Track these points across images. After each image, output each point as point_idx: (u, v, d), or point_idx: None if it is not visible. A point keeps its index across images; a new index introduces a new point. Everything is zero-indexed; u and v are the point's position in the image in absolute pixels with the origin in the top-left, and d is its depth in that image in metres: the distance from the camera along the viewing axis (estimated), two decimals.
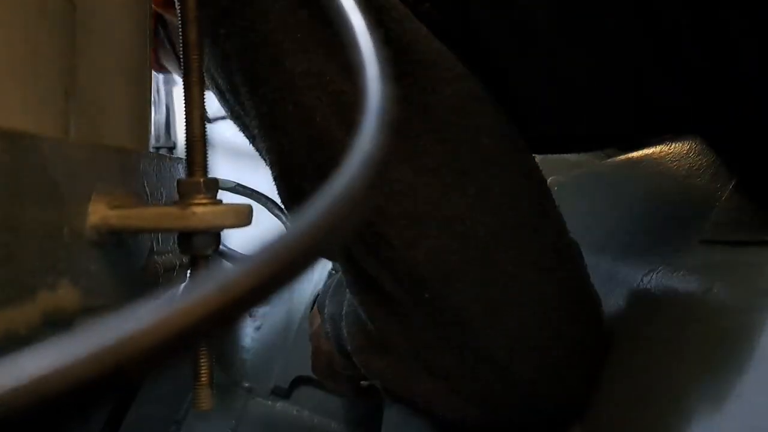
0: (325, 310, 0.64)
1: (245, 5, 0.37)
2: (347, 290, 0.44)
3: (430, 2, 0.38)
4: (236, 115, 0.42)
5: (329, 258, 0.43)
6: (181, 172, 0.37)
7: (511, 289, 0.38)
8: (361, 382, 0.67)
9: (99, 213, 0.29)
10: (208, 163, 0.33)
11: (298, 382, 0.89)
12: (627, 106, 0.40)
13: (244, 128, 0.43)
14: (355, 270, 0.40)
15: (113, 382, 0.10)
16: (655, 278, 0.41)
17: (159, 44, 0.60)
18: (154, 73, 0.71)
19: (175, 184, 0.32)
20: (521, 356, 0.38)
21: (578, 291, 0.41)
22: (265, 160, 0.42)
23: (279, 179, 0.41)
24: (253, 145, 0.43)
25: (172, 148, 1.15)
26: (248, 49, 0.37)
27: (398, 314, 0.39)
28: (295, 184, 0.40)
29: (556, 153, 0.52)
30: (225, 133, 0.83)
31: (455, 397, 0.39)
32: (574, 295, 0.40)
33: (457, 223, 0.37)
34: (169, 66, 0.65)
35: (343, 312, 0.46)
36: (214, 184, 0.32)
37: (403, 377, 0.40)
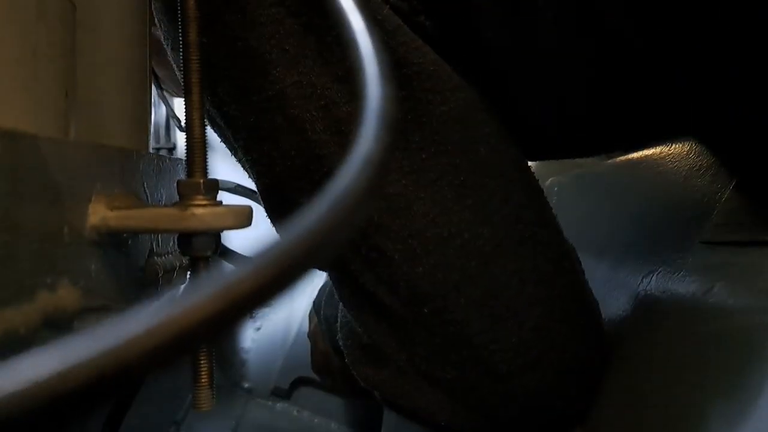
0: (321, 312, 0.64)
1: (235, 14, 0.36)
2: (341, 304, 0.44)
3: (425, 14, 0.37)
4: (217, 126, 0.41)
5: (326, 266, 0.42)
6: (180, 173, 0.36)
7: (511, 302, 0.38)
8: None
9: (99, 213, 0.28)
10: (207, 164, 0.33)
11: (299, 382, 0.89)
12: (627, 111, 0.40)
13: (225, 140, 0.42)
14: (352, 285, 0.40)
15: (114, 385, 0.10)
16: (655, 279, 0.41)
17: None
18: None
19: (175, 185, 0.32)
20: (522, 368, 0.38)
21: (577, 301, 0.41)
22: (248, 171, 0.42)
23: (266, 191, 0.41)
24: (235, 157, 0.42)
25: (172, 148, 1.14)
26: (236, 58, 0.37)
27: (397, 329, 0.39)
28: (283, 196, 0.40)
29: (556, 158, 0.52)
30: None
31: (456, 407, 0.39)
32: (573, 306, 0.40)
33: (457, 237, 0.37)
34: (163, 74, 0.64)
35: (338, 323, 0.46)
36: (214, 185, 0.32)
37: (402, 388, 0.40)
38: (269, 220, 0.42)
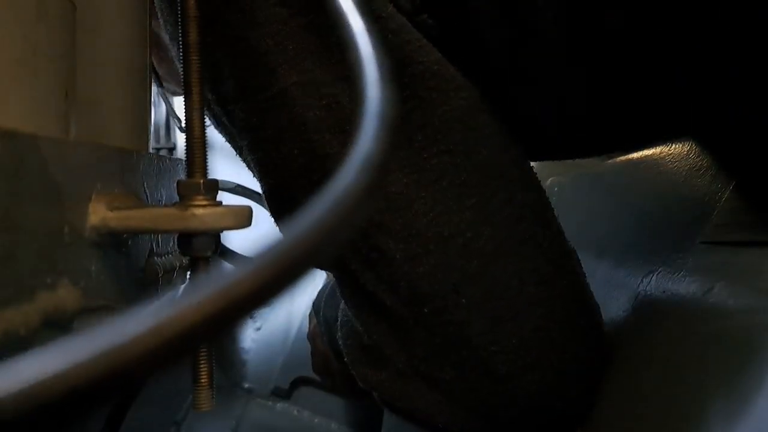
0: (321, 313, 0.64)
1: (236, 14, 0.36)
2: (343, 302, 0.44)
3: (428, 13, 0.37)
4: (222, 125, 0.41)
5: (326, 265, 0.42)
6: (180, 173, 0.36)
7: (512, 302, 0.37)
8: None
9: (99, 214, 0.28)
10: (207, 164, 0.33)
11: (299, 382, 0.89)
12: (627, 111, 0.40)
13: (231, 139, 0.42)
14: (353, 284, 0.40)
15: (114, 385, 0.10)
16: (655, 279, 0.41)
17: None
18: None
19: (175, 185, 0.32)
20: (521, 370, 0.38)
21: (578, 302, 0.40)
22: (253, 171, 0.42)
23: (270, 191, 0.41)
24: (240, 156, 0.42)
25: (172, 148, 1.14)
26: (239, 58, 0.37)
27: (397, 329, 0.39)
28: (287, 195, 0.40)
29: (556, 159, 0.52)
30: None
31: (455, 408, 0.39)
32: (574, 307, 0.40)
33: (457, 237, 0.37)
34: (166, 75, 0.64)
35: (338, 322, 0.46)
36: (214, 186, 0.32)
37: (401, 390, 0.40)
38: (273, 219, 0.42)
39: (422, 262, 0.37)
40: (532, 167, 0.41)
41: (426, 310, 0.37)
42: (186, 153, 0.33)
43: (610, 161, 0.61)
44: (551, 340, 0.38)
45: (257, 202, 0.57)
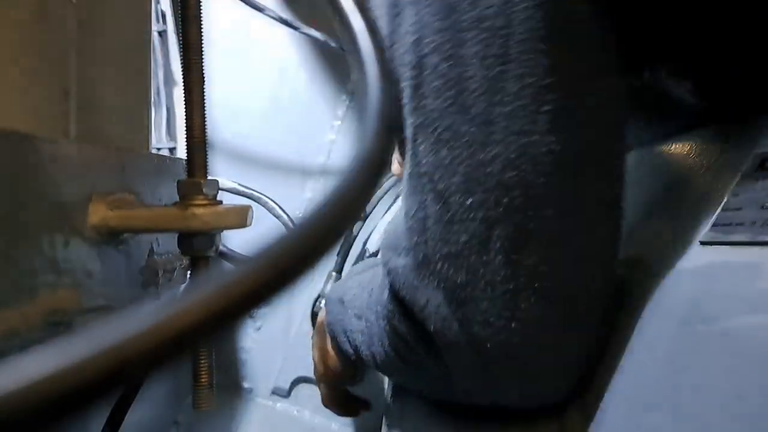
0: (327, 312, 0.63)
1: None
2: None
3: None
4: None
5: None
6: (181, 172, 0.37)
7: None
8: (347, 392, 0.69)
9: (99, 213, 0.28)
10: (208, 164, 0.33)
11: (299, 382, 0.89)
12: (635, 115, 0.40)
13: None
14: None
15: (115, 384, 0.10)
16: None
17: None
18: (153, 73, 0.70)
19: (175, 184, 0.32)
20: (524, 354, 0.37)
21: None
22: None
23: None
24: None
25: (172, 149, 1.14)
26: None
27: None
28: None
29: None
30: (225, 133, 0.83)
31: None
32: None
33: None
34: None
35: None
36: (215, 185, 0.32)
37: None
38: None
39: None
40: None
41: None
42: (186, 153, 0.33)
43: None
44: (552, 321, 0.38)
45: (257, 202, 0.57)
